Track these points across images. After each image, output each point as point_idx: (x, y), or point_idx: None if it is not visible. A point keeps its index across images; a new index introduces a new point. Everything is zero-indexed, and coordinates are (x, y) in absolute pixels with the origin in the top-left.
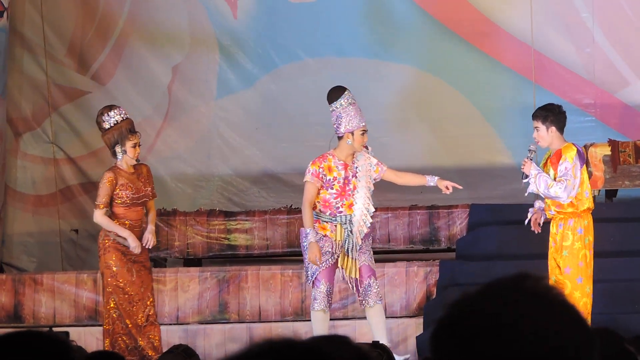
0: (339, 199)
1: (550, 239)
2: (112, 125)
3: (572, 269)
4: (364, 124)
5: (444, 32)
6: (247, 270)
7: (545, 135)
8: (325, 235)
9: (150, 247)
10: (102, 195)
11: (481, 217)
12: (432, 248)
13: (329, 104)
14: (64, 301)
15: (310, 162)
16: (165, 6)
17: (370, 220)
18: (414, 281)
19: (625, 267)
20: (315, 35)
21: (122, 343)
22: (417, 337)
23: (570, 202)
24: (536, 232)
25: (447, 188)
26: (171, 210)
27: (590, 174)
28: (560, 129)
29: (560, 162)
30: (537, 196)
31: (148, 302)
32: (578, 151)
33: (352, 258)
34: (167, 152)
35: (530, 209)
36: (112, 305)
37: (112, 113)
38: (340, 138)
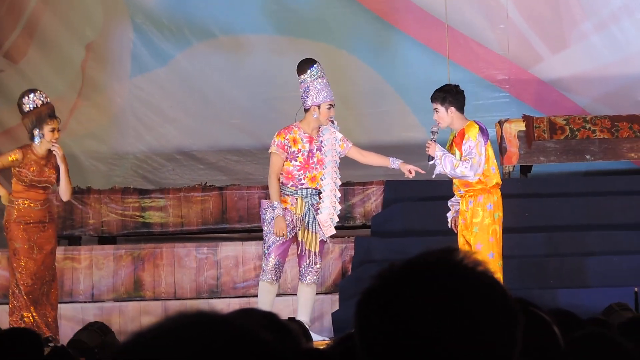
0: (302, 172)
1: (460, 216)
2: (31, 108)
3: (483, 245)
4: (331, 98)
5: (357, 9)
6: (162, 248)
7: (445, 116)
8: (285, 209)
9: (55, 150)
10: None
11: (396, 193)
12: (347, 225)
13: (298, 75)
14: None
15: (276, 134)
16: None
17: (339, 209)
18: (329, 258)
19: (539, 242)
20: (229, 13)
21: (27, 320)
22: (332, 314)
23: (479, 179)
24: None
25: (409, 172)
26: (85, 188)
27: (504, 150)
28: (460, 108)
29: (464, 141)
30: (452, 199)
31: (47, 279)
32: (481, 128)
33: (313, 232)
34: (81, 130)
35: (449, 214)
36: (14, 283)
37: (31, 96)
38: (306, 111)
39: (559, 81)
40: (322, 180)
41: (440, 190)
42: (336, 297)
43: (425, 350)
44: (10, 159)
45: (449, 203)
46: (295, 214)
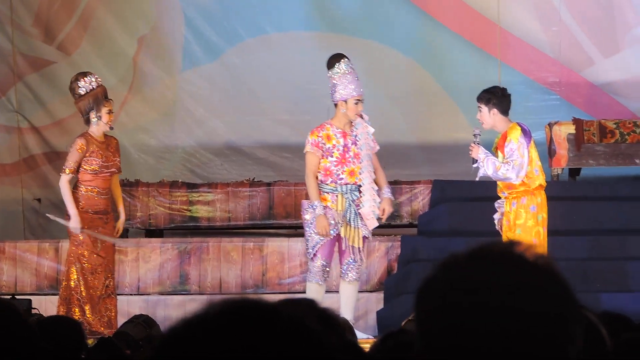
0: (339, 167)
1: (504, 217)
2: (87, 91)
3: None
4: (358, 92)
5: (409, 8)
6: (209, 242)
7: (487, 117)
8: (326, 207)
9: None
10: (71, 161)
11: (443, 193)
12: (394, 223)
13: (328, 70)
14: (25, 270)
15: (309, 132)
16: None
17: (379, 202)
18: (375, 256)
19: (585, 245)
20: (281, 9)
21: (76, 311)
22: (377, 312)
23: (522, 181)
24: None
25: (382, 212)
26: (134, 181)
27: (553, 152)
28: (504, 111)
29: (506, 143)
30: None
31: (109, 274)
32: (523, 130)
33: (355, 227)
34: (131, 124)
35: (495, 215)
36: (73, 274)
37: (87, 79)
38: (336, 106)
39: (610, 85)
40: (360, 174)
41: (487, 191)
42: (381, 295)
43: (483, 342)
44: (78, 149)
45: (496, 205)
46: (336, 211)
